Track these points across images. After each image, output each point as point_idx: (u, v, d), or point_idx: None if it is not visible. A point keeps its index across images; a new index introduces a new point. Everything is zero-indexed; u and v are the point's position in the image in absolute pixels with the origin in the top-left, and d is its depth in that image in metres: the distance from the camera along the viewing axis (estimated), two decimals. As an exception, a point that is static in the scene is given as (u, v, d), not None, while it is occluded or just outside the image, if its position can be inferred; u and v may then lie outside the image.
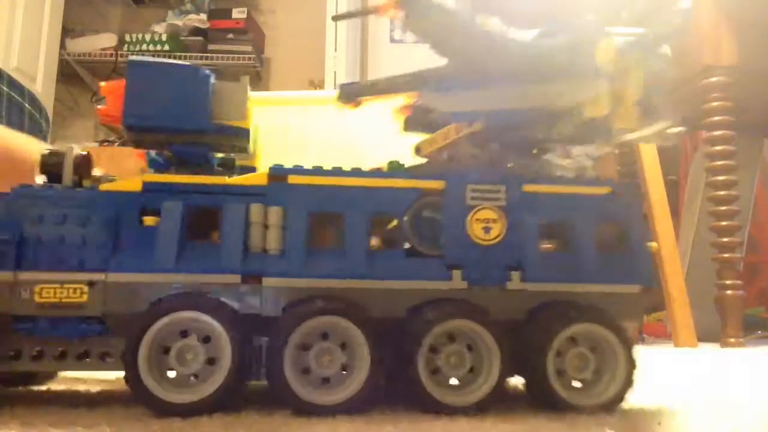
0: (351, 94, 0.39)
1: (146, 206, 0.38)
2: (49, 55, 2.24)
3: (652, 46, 0.32)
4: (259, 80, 2.63)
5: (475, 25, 0.31)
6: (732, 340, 1.19)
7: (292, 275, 0.38)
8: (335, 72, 2.34)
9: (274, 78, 2.66)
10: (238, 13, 2.49)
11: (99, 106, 0.37)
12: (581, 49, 0.30)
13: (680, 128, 0.38)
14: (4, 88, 0.77)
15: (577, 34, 0.31)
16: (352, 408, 0.36)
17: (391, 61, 2.47)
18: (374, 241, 0.38)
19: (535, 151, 0.39)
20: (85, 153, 0.37)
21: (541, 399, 0.33)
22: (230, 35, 2.49)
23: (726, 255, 1.22)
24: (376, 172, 0.35)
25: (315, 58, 2.42)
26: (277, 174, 0.37)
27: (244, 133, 0.38)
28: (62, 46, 2.39)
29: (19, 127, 0.78)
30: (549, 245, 0.37)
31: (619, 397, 0.33)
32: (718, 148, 1.24)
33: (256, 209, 0.37)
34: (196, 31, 2.52)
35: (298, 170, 0.36)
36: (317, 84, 2.42)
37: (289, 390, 0.36)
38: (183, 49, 2.49)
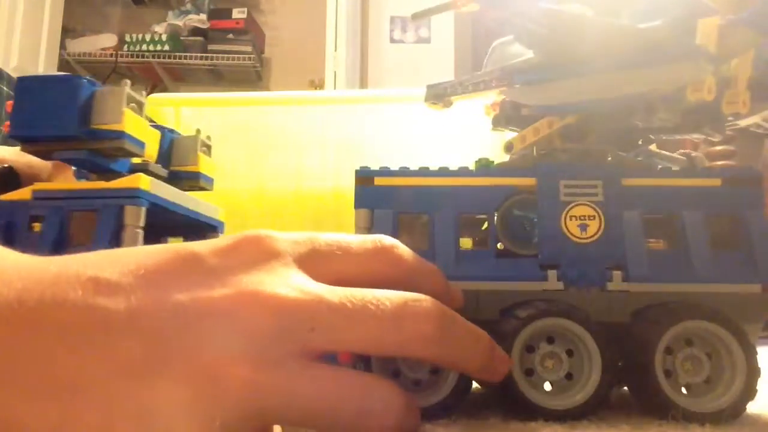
0: (439, 95, 0.38)
1: (36, 213, 0.40)
2: (49, 55, 2.24)
3: (765, 24, 0.29)
4: (259, 80, 2.63)
5: (561, 10, 0.29)
6: (733, 339, 1.19)
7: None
8: (335, 72, 2.34)
9: (274, 78, 2.66)
10: (238, 13, 2.49)
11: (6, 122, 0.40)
12: (681, 29, 0.28)
13: None
14: (4, 88, 0.77)
15: (676, 13, 0.28)
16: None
17: (391, 61, 2.47)
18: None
19: (640, 143, 0.36)
20: (6, 167, 0.39)
21: (648, 403, 0.29)
22: (230, 35, 2.49)
23: (727, 254, 1.22)
24: (464, 171, 0.34)
25: (315, 58, 2.43)
26: (364, 176, 0.37)
27: (117, 135, 0.39)
28: (62, 46, 2.39)
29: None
30: (658, 243, 0.34)
31: (737, 406, 0.28)
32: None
33: (130, 211, 0.38)
34: (196, 31, 2.52)
35: (384, 172, 0.36)
36: (317, 84, 2.42)
37: None
38: (183, 49, 2.49)
